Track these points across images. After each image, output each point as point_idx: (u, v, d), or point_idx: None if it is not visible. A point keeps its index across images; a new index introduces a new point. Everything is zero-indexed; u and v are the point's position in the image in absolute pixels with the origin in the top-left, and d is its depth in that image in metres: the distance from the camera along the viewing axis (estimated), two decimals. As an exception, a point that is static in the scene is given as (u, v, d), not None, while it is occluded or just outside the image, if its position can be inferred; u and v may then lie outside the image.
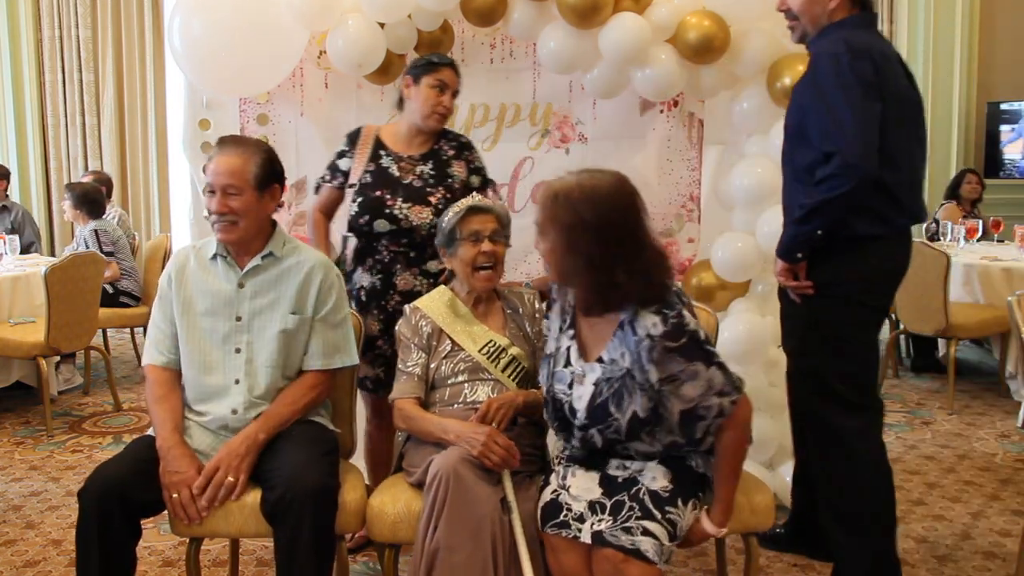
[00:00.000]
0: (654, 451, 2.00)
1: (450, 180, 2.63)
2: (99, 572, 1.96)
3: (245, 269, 2.22)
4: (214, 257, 2.23)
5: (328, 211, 2.72)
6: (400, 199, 2.57)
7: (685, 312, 1.88)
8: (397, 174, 2.60)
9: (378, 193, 2.57)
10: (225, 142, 2.22)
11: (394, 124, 2.71)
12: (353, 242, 2.65)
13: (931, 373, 5.11)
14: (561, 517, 1.97)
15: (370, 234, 2.58)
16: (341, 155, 2.67)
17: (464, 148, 2.71)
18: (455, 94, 2.62)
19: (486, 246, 2.27)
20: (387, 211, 2.56)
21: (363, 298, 2.63)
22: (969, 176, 6.08)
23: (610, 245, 1.81)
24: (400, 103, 2.67)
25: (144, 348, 2.30)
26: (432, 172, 2.63)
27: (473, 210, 2.30)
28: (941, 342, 4.89)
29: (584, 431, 1.99)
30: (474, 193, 2.54)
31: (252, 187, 2.16)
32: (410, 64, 2.66)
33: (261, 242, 2.23)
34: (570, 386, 2.01)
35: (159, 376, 2.21)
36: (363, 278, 2.64)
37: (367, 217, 2.56)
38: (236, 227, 2.16)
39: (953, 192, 6.07)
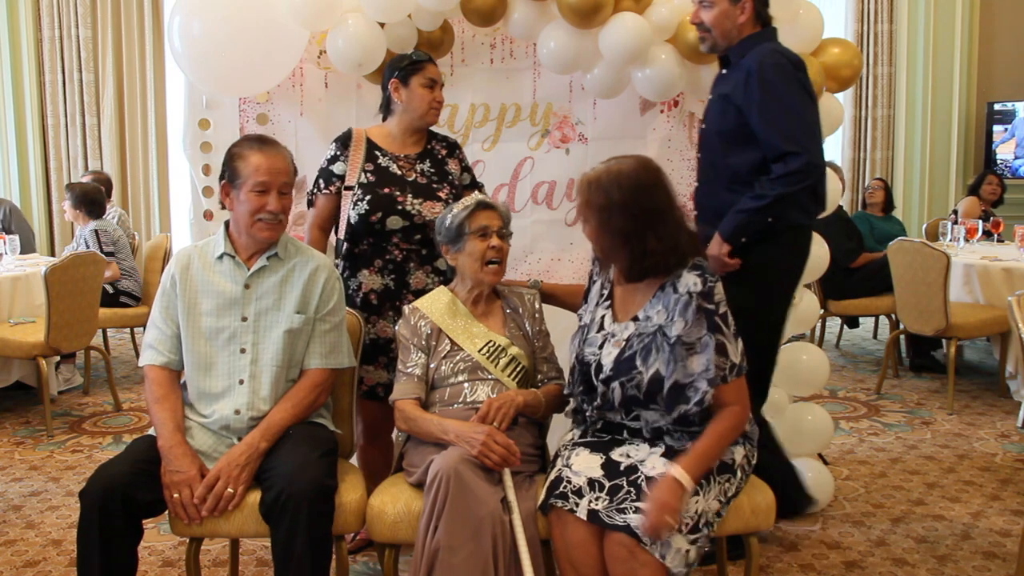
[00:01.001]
0: (663, 426, 2.04)
1: (451, 176, 2.67)
2: (100, 572, 1.96)
3: (252, 270, 2.22)
4: (221, 257, 2.24)
5: (326, 225, 2.66)
6: (410, 195, 2.57)
7: (720, 285, 2.07)
8: (399, 172, 2.61)
9: (387, 190, 2.56)
10: (264, 141, 2.23)
11: (382, 126, 2.70)
12: (346, 245, 2.62)
13: (930, 373, 5.12)
14: (561, 489, 2.00)
15: (381, 232, 2.56)
16: (334, 160, 2.63)
17: (455, 147, 2.76)
18: (442, 86, 2.66)
19: (495, 241, 2.29)
20: (399, 207, 2.55)
21: (373, 301, 2.60)
22: (990, 177, 6.13)
23: (638, 219, 2.01)
24: (386, 106, 2.68)
25: (142, 348, 2.30)
26: (432, 170, 2.65)
27: (482, 205, 2.32)
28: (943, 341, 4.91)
29: (607, 385, 2.06)
30: (476, 192, 2.59)
31: (292, 187, 2.23)
32: (391, 67, 2.64)
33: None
34: (600, 347, 2.11)
35: (158, 376, 2.21)
36: (372, 280, 2.60)
37: (379, 214, 2.54)
38: (281, 225, 2.21)
39: (974, 191, 6.12)
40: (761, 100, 2.42)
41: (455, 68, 3.14)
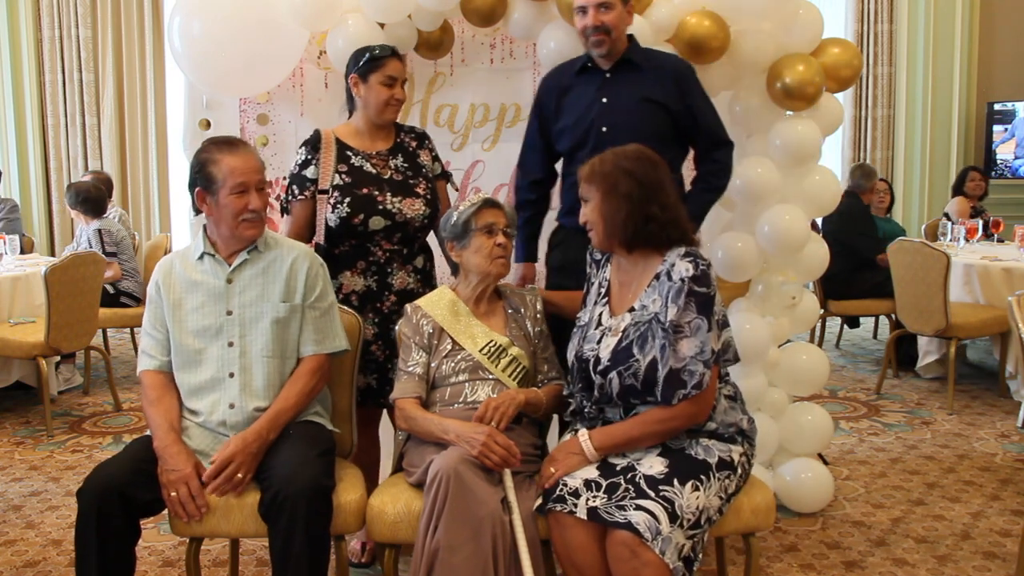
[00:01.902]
0: None
1: (424, 169, 2.65)
2: (98, 572, 1.96)
3: (233, 265, 2.24)
4: (201, 257, 2.26)
5: (303, 233, 2.59)
6: (389, 194, 2.54)
7: (713, 271, 2.11)
8: (374, 171, 2.58)
9: (365, 191, 2.53)
10: (233, 143, 2.24)
11: (348, 124, 2.66)
12: (324, 248, 2.57)
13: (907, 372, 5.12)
14: (558, 492, 2.00)
15: (364, 233, 2.54)
16: (305, 164, 2.58)
17: (423, 137, 2.73)
18: (404, 82, 2.60)
19: (500, 238, 2.30)
20: (380, 207, 2.52)
21: (354, 302, 2.56)
22: (972, 174, 6.13)
23: (644, 184, 2.09)
24: (350, 102, 2.64)
25: (140, 358, 2.31)
26: (406, 164, 2.62)
27: (488, 203, 2.34)
28: (923, 341, 4.94)
29: (604, 376, 2.07)
30: (449, 183, 2.66)
31: (266, 182, 2.25)
32: (351, 61, 2.59)
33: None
34: (599, 341, 2.12)
35: (152, 380, 2.23)
36: (353, 281, 2.57)
37: (362, 215, 2.51)
38: (263, 221, 2.24)
39: (958, 189, 6.12)
40: (701, 98, 2.66)
41: (455, 68, 3.14)
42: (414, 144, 2.68)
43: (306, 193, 2.58)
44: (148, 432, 2.20)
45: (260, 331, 2.22)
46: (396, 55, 2.58)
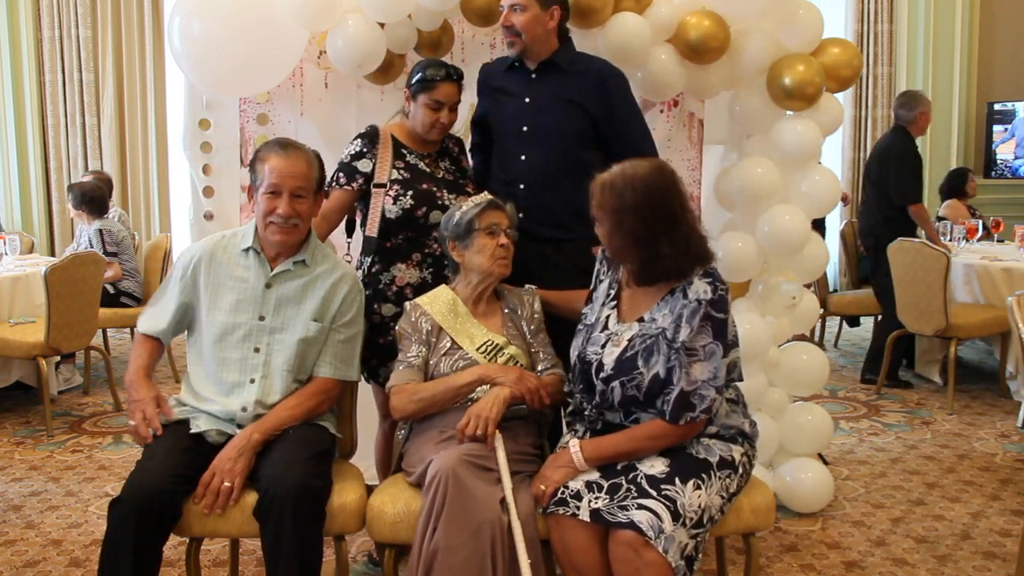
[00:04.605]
0: None
1: (468, 173, 2.72)
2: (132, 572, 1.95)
3: (276, 271, 2.23)
4: (247, 250, 2.25)
5: (330, 218, 2.58)
6: (446, 191, 2.59)
7: (729, 296, 2.08)
8: (428, 169, 2.62)
9: (425, 186, 2.57)
10: (285, 144, 2.23)
11: (401, 124, 2.68)
12: (375, 242, 2.57)
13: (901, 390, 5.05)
14: (559, 495, 2.00)
15: (424, 226, 2.56)
16: (359, 156, 2.59)
17: (462, 144, 2.79)
18: (456, 105, 2.59)
19: (503, 239, 2.31)
20: (439, 203, 2.56)
21: (409, 295, 2.56)
22: (969, 175, 6.11)
23: (651, 223, 2.01)
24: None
25: (142, 316, 2.34)
26: (453, 167, 2.69)
27: (492, 204, 2.34)
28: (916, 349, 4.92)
29: (607, 384, 2.05)
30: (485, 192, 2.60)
31: (313, 191, 2.23)
32: (410, 73, 2.60)
33: (297, 246, 2.26)
34: (603, 346, 2.10)
35: (145, 342, 2.31)
36: (408, 273, 2.59)
37: (424, 209, 2.54)
38: (296, 230, 2.21)
39: (953, 192, 6.06)
40: (625, 106, 2.64)
41: (455, 68, 3.14)
42: (456, 150, 2.75)
43: (353, 184, 2.57)
44: (175, 411, 2.20)
45: (286, 344, 2.22)
46: (451, 78, 2.54)
